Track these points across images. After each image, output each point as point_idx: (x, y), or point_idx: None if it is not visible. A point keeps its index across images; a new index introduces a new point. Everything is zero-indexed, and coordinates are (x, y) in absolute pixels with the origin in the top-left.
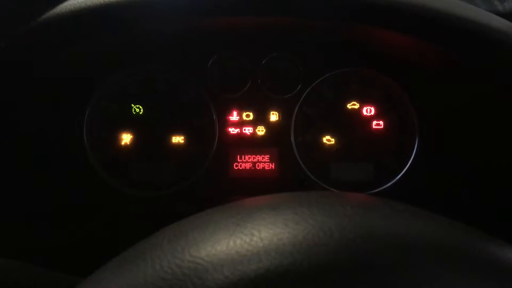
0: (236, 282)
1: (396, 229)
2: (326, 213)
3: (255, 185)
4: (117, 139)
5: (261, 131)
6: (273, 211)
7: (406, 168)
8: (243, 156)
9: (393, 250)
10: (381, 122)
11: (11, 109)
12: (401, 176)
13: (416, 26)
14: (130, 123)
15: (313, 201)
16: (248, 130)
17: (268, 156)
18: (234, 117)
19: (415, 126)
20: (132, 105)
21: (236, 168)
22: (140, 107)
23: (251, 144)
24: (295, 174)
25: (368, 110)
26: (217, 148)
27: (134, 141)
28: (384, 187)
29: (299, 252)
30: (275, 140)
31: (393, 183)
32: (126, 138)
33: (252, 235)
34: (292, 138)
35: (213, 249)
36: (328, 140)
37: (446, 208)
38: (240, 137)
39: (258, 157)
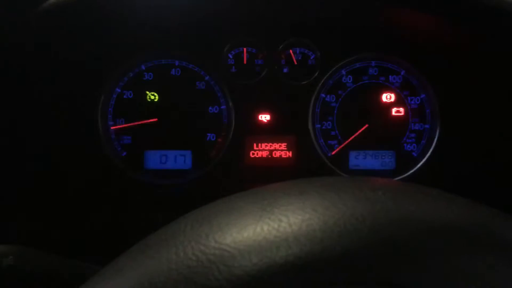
0: (264, 270)
1: (431, 215)
2: (357, 198)
3: (271, 174)
4: (132, 127)
5: (278, 118)
6: (300, 196)
7: (427, 155)
8: (259, 144)
9: (429, 236)
10: (401, 109)
11: (27, 94)
12: (423, 163)
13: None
14: (145, 111)
15: (342, 186)
16: (264, 117)
17: (285, 144)
18: (250, 104)
19: (436, 113)
20: (147, 92)
21: (253, 156)
22: (155, 94)
23: (268, 132)
24: (313, 162)
25: (388, 97)
26: (233, 136)
27: (149, 129)
28: (405, 175)
29: (331, 238)
30: (292, 128)
31: (414, 171)
32: (141, 126)
33: (280, 221)
34: (309, 125)
35: (239, 235)
36: (346, 127)
37: (468, 196)
38: (257, 124)
39: (275, 145)
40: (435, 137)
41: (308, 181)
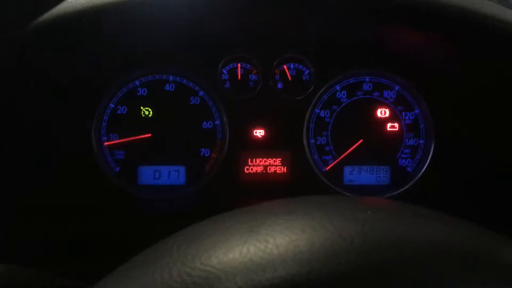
0: None
1: (423, 236)
2: (346, 218)
3: (266, 189)
4: (126, 142)
5: (272, 134)
6: (288, 216)
7: (422, 170)
8: (254, 160)
9: (421, 259)
10: (396, 124)
11: (20, 111)
12: (418, 179)
13: (441, 24)
14: (139, 126)
15: (331, 205)
16: (259, 132)
17: (280, 159)
18: (244, 119)
19: (431, 128)
20: (142, 108)
21: (247, 171)
22: (150, 109)
23: (262, 147)
24: (308, 177)
25: (382, 112)
26: (227, 151)
27: (143, 144)
28: (400, 190)
29: (318, 260)
30: (287, 143)
31: (409, 187)
32: (135, 141)
33: (267, 242)
34: (304, 140)
35: (225, 256)
36: (341, 143)
37: (465, 212)
38: (251, 140)
39: (269, 160)
40: (430, 153)
41: (297, 201)
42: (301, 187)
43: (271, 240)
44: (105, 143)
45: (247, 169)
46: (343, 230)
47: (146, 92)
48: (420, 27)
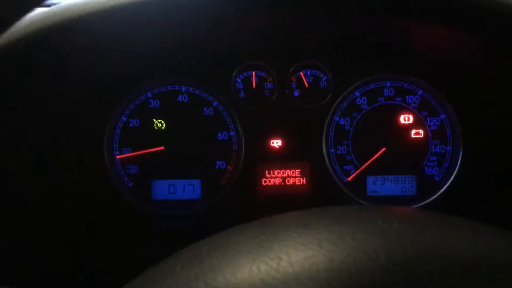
0: None
1: (456, 250)
2: (369, 231)
3: (285, 202)
4: (139, 156)
5: (290, 144)
6: (304, 229)
7: (451, 179)
8: (271, 171)
9: (455, 276)
10: (420, 131)
11: (29, 126)
12: (446, 188)
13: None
14: (152, 139)
15: (352, 216)
16: (276, 143)
17: (299, 170)
18: (261, 129)
19: (458, 134)
20: (154, 120)
21: (265, 183)
22: (162, 121)
23: (280, 158)
24: (328, 189)
25: (406, 118)
26: (243, 163)
27: (156, 158)
28: (427, 201)
29: (338, 279)
30: (305, 153)
31: (437, 197)
32: (148, 155)
33: (280, 259)
34: (323, 150)
35: (232, 276)
36: (363, 151)
37: (497, 223)
38: (268, 151)
39: (288, 171)
40: (458, 160)
41: (314, 212)
42: (321, 199)
43: (284, 257)
44: (117, 157)
45: (265, 181)
46: (366, 244)
47: (158, 103)
48: (446, 21)
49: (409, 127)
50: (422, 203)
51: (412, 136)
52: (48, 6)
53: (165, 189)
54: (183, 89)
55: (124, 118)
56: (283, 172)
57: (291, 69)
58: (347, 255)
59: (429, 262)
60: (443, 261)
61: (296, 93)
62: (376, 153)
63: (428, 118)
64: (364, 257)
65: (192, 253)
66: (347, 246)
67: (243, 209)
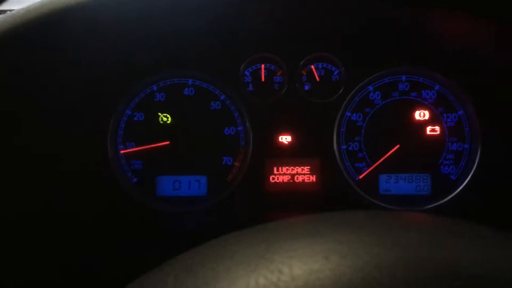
0: None
1: (483, 265)
2: (383, 242)
3: (294, 200)
4: (143, 151)
5: (300, 140)
6: (309, 238)
7: (468, 178)
8: (280, 168)
9: None
10: (437, 127)
11: (31, 121)
12: (463, 188)
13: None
14: (157, 133)
15: (364, 224)
16: (285, 139)
17: (308, 167)
18: (269, 124)
19: (477, 131)
20: (159, 114)
21: (273, 181)
22: (168, 115)
23: (289, 155)
24: (339, 187)
25: (422, 114)
26: (251, 159)
27: (161, 153)
28: (442, 201)
29: None
30: (315, 150)
31: (453, 196)
32: (153, 150)
33: (281, 273)
34: (334, 146)
35: None
36: (375, 148)
37: None
38: (277, 146)
39: (297, 168)
40: (476, 158)
41: (321, 218)
42: (332, 197)
43: (285, 270)
44: (121, 152)
45: (273, 179)
46: (380, 258)
47: (164, 97)
48: (465, 7)
49: (424, 123)
50: (438, 203)
51: (428, 133)
52: None
53: (170, 185)
54: (190, 82)
55: (128, 112)
56: (292, 169)
57: (302, 62)
58: (358, 270)
59: (453, 279)
60: (469, 278)
61: (306, 87)
62: (389, 150)
63: (445, 115)
64: (378, 273)
65: (186, 263)
66: (358, 260)
67: (250, 206)
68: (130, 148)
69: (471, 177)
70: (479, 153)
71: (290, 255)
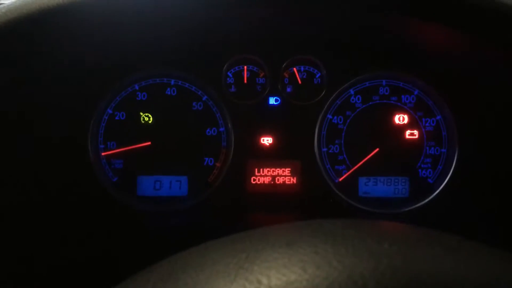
0: None
1: (453, 277)
2: (357, 253)
3: (274, 202)
4: (125, 151)
5: (281, 141)
6: (287, 248)
7: (445, 182)
8: (261, 169)
9: None
10: (415, 132)
11: (11, 118)
12: (440, 191)
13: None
14: (139, 133)
15: (339, 234)
16: (266, 140)
17: (289, 169)
18: (251, 126)
19: (454, 136)
20: (141, 114)
21: (254, 182)
22: (150, 115)
23: (270, 156)
24: (319, 189)
25: (401, 118)
26: (232, 160)
27: (142, 153)
28: (420, 204)
29: None
30: (296, 152)
31: (430, 199)
32: (134, 150)
33: (259, 283)
34: (315, 149)
35: None
36: (355, 151)
37: (492, 227)
38: (258, 148)
39: (278, 170)
40: (453, 162)
41: (299, 227)
42: (312, 199)
43: (264, 280)
44: (103, 153)
45: (254, 180)
46: (353, 269)
47: (146, 96)
48: (445, 20)
49: (403, 127)
50: (415, 206)
51: (407, 137)
52: None
53: (151, 185)
54: (172, 82)
55: (109, 111)
56: (273, 171)
57: (284, 64)
58: (333, 280)
59: None
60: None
61: (288, 89)
62: (369, 153)
63: (423, 119)
64: (351, 283)
65: (166, 270)
66: (333, 271)
67: (231, 207)
68: (110, 147)
69: (448, 180)
70: (456, 157)
71: (268, 266)
